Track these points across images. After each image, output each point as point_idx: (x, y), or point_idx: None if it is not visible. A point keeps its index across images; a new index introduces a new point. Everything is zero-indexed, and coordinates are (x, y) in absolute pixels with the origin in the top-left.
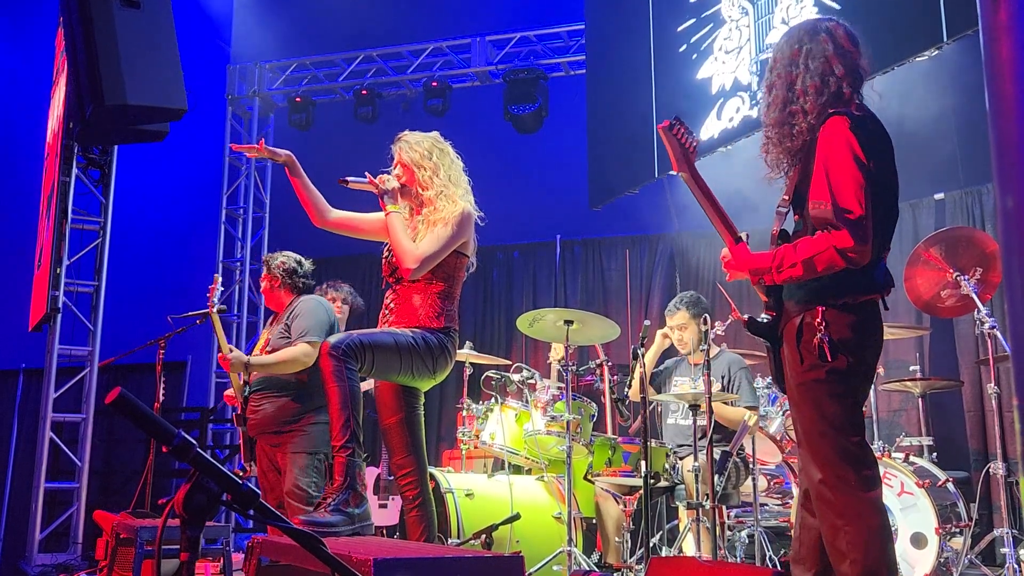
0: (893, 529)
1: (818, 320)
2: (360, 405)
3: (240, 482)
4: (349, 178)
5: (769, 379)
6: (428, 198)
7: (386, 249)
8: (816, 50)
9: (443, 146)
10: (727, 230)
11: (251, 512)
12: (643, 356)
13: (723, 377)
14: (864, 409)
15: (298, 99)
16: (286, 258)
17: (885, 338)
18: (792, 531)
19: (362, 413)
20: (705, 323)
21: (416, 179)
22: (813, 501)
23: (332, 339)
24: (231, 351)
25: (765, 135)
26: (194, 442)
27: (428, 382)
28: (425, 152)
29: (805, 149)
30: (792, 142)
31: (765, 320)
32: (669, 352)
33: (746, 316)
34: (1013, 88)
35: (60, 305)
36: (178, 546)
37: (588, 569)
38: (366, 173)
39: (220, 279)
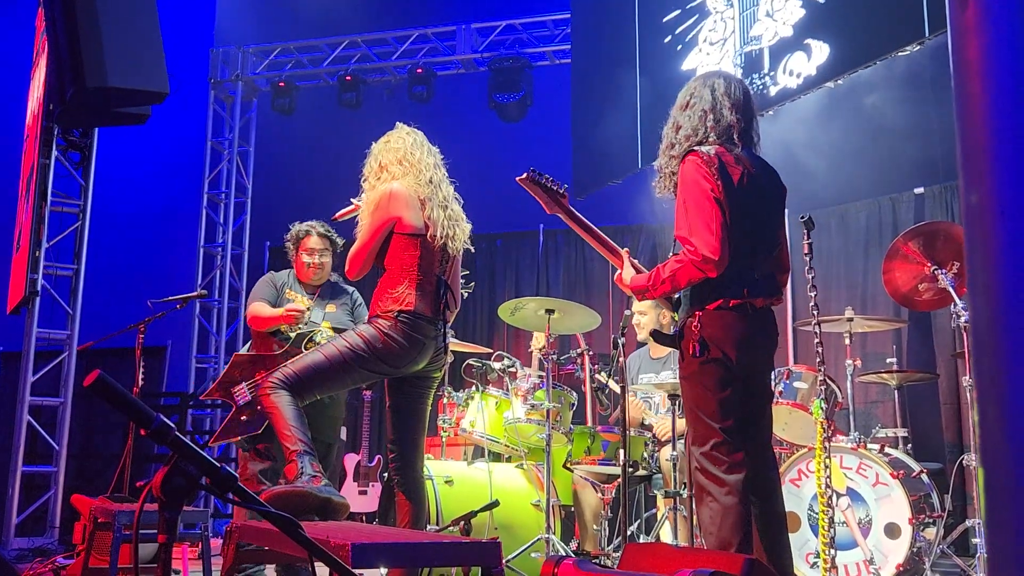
0: (868, 519)
1: (695, 323)
2: (304, 420)
3: (219, 466)
4: (338, 213)
5: None
6: None
7: None
8: (696, 101)
9: (388, 137)
10: (612, 254)
11: (229, 495)
12: (622, 345)
13: None
14: (840, 401)
15: (281, 84)
16: None
17: (863, 330)
18: None
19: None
20: None
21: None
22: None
23: (271, 378)
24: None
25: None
26: (172, 425)
27: (401, 373)
28: (371, 162)
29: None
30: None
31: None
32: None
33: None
34: (979, 87)
35: (39, 288)
36: (155, 530)
37: (564, 555)
38: (351, 199)
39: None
